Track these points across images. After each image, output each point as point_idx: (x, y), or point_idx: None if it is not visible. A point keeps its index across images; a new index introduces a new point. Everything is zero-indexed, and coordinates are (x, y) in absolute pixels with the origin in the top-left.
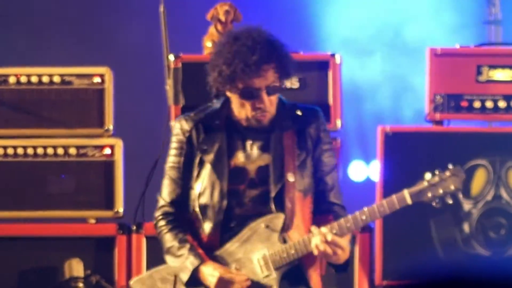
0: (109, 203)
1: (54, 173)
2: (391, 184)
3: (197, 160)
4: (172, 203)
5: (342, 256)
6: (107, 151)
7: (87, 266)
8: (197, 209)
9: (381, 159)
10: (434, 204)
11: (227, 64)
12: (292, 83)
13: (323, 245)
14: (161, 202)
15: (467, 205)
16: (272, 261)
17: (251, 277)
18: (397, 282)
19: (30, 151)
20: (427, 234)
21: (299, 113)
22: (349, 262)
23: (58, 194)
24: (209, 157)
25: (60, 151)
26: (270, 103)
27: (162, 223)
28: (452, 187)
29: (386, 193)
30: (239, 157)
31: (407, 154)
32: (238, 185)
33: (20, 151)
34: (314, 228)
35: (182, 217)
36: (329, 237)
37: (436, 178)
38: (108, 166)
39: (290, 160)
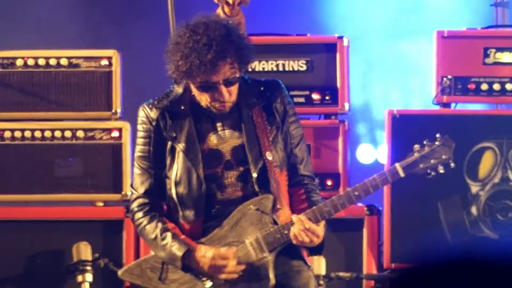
0: (117, 186)
1: (62, 156)
2: None
3: (167, 148)
4: (146, 193)
5: (317, 242)
6: (115, 134)
7: (95, 249)
8: (175, 198)
9: (389, 142)
10: (427, 175)
11: (183, 60)
12: (300, 65)
13: (302, 234)
14: (135, 194)
15: (474, 188)
16: (265, 243)
17: (245, 260)
18: (405, 265)
19: (37, 134)
20: (435, 217)
21: (262, 88)
22: (323, 246)
23: (66, 177)
24: (180, 144)
25: (68, 134)
26: (229, 93)
27: (139, 215)
28: (444, 157)
29: None
30: (212, 139)
31: (414, 137)
32: (214, 168)
33: (27, 134)
34: (294, 216)
35: (158, 206)
36: (307, 225)
37: (426, 149)
38: (116, 149)
39: (264, 138)
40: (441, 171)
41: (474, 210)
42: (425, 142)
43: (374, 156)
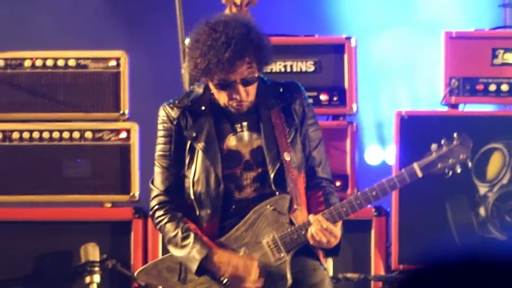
0: (125, 187)
1: (70, 157)
2: None
3: (187, 147)
4: (166, 191)
5: (334, 243)
6: (123, 135)
7: (103, 250)
8: (192, 197)
9: (397, 143)
10: (445, 175)
11: (202, 57)
12: (308, 66)
13: (320, 234)
14: (155, 192)
15: (483, 189)
16: (282, 243)
17: (262, 261)
18: (413, 266)
19: (45, 135)
20: (443, 218)
21: (281, 90)
22: (340, 247)
23: (74, 178)
24: (200, 143)
25: (76, 135)
26: (247, 93)
27: (159, 213)
28: (462, 156)
29: None
30: (231, 140)
31: (423, 138)
32: (234, 169)
33: (35, 135)
34: (311, 217)
35: (178, 204)
36: (325, 225)
37: (444, 148)
38: (124, 150)
39: (283, 139)
40: (459, 170)
41: (482, 211)
42: (442, 142)
43: (382, 158)
